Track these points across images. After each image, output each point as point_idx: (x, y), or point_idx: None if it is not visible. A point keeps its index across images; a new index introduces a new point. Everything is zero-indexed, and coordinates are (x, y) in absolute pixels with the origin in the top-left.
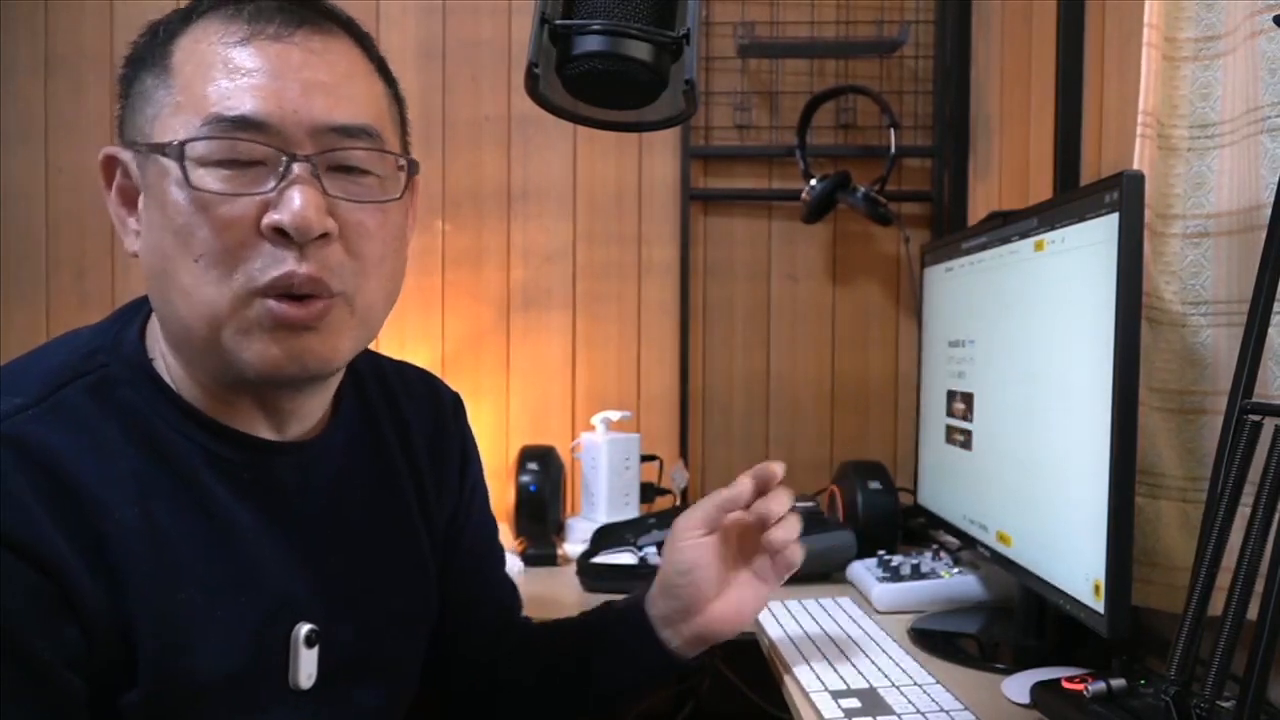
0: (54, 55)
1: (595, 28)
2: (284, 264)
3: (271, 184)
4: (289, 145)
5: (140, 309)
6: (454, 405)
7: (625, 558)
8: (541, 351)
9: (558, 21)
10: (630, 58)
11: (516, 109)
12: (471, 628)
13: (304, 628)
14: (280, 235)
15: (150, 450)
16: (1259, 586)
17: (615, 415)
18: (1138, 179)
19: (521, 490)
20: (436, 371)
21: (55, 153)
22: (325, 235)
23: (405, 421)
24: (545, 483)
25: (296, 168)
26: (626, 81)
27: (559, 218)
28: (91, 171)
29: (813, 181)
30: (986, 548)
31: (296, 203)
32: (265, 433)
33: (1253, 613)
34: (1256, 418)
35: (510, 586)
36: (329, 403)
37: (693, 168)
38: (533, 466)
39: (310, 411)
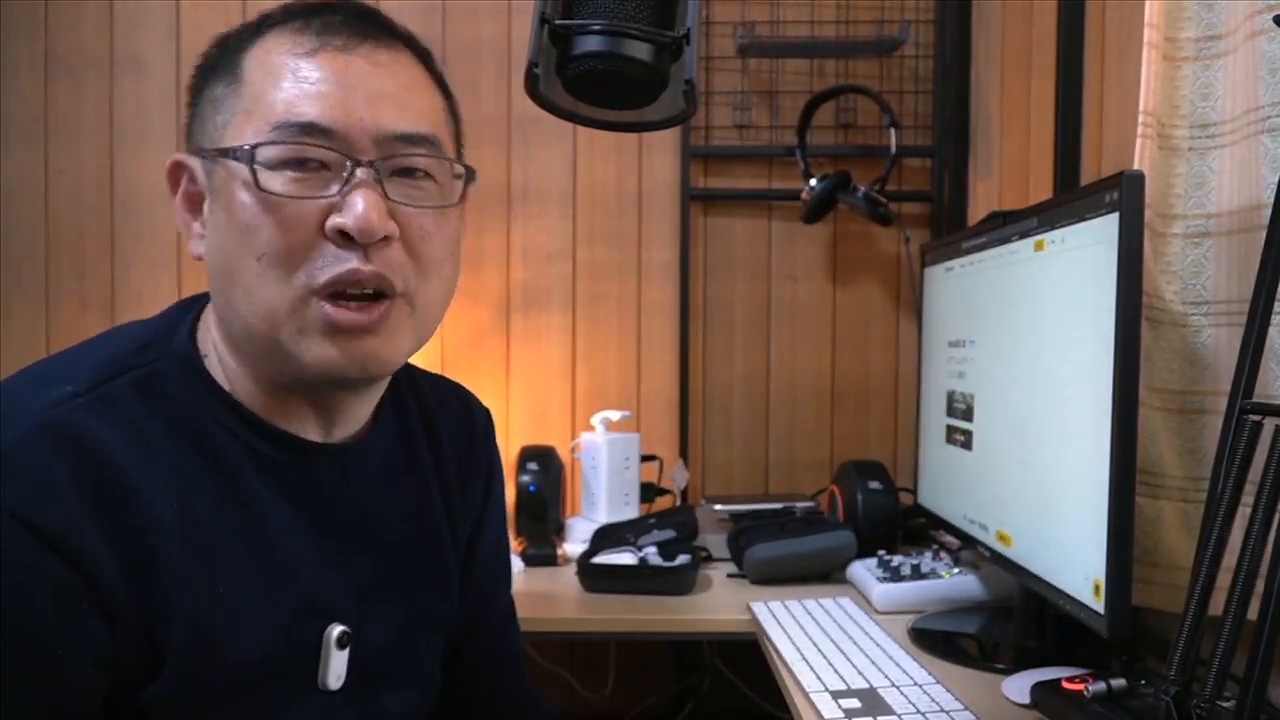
0: (54, 55)
1: (595, 28)
2: (347, 263)
3: (335, 188)
4: (353, 151)
5: (193, 306)
6: (485, 423)
7: (625, 558)
8: (541, 352)
9: (558, 21)
10: (630, 58)
11: (516, 109)
12: (466, 642)
13: (336, 629)
14: (344, 237)
15: (194, 446)
16: (1259, 586)
17: (615, 415)
18: (1138, 179)
19: (521, 490)
20: (436, 372)
21: (55, 153)
22: (387, 238)
23: (438, 433)
24: (545, 483)
25: (360, 172)
26: (626, 81)
27: (559, 218)
28: (92, 172)
29: (813, 181)
30: (986, 548)
31: (360, 206)
32: (311, 434)
33: (1253, 613)
34: (1256, 418)
35: (509, 611)
36: (374, 407)
37: (693, 168)
38: (533, 466)
39: (360, 414)
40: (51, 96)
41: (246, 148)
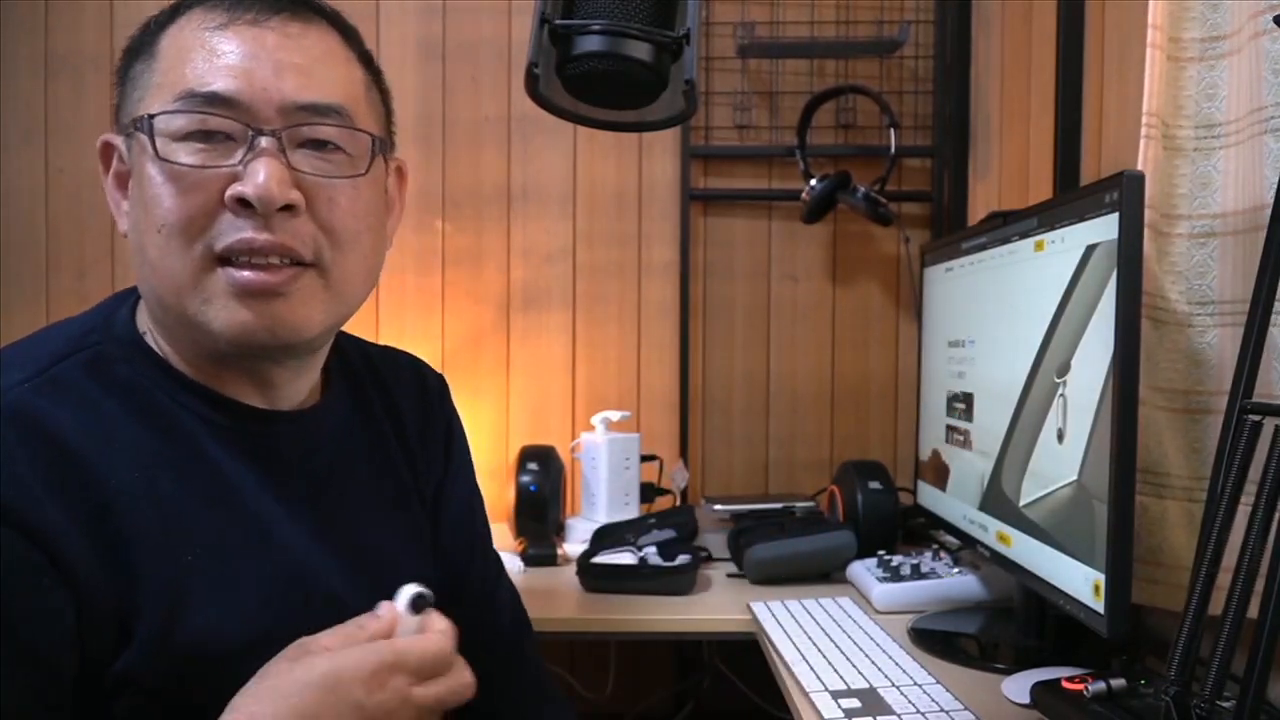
0: (54, 55)
1: (595, 28)
2: (243, 231)
3: (238, 157)
4: (257, 121)
5: (131, 294)
6: (439, 387)
7: (625, 558)
8: (541, 351)
9: (558, 21)
10: (630, 58)
11: (516, 109)
12: (450, 601)
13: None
14: (243, 206)
15: (150, 421)
16: (1259, 586)
17: (615, 415)
18: (1138, 179)
19: (521, 490)
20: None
21: (55, 153)
22: (291, 208)
23: (394, 402)
24: (545, 483)
25: (263, 141)
26: (626, 81)
27: (559, 218)
28: (92, 172)
29: (813, 181)
30: (986, 548)
31: (260, 175)
32: (257, 404)
33: (1253, 612)
34: (1256, 417)
35: (495, 570)
36: (318, 380)
37: (693, 168)
38: (533, 466)
39: (297, 388)
40: (51, 96)
41: (147, 117)
